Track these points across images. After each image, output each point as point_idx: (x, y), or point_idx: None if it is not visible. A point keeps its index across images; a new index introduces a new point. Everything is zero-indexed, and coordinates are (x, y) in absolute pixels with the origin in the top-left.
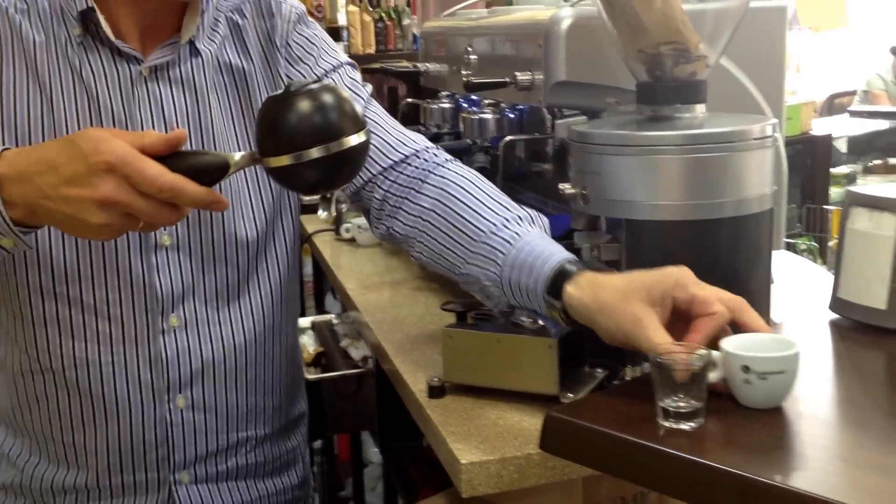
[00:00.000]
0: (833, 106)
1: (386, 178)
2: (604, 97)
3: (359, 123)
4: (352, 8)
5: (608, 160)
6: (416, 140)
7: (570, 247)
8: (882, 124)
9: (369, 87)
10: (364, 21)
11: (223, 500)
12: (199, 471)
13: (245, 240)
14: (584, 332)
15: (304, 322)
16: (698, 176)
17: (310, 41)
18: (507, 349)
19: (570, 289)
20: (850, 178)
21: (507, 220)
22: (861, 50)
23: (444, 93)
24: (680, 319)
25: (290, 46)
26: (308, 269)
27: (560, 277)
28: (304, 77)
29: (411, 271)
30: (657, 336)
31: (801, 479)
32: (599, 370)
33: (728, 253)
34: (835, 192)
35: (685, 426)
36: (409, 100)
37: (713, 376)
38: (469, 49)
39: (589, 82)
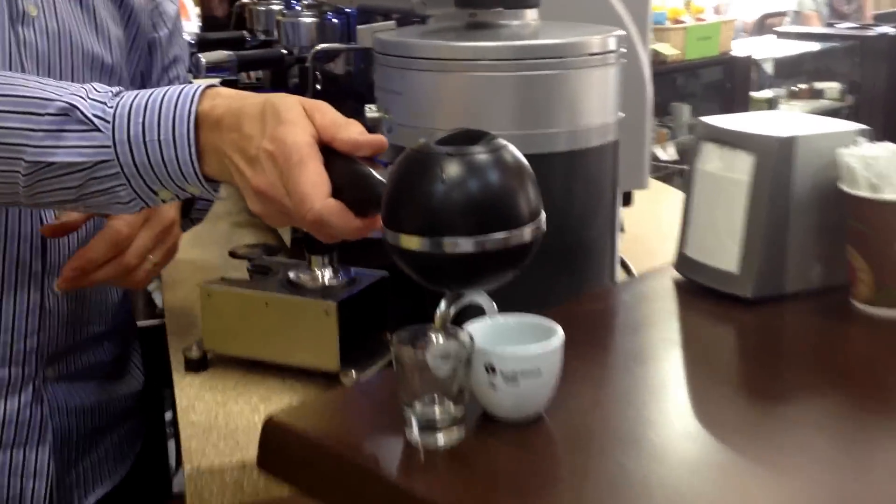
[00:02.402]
0: (764, 26)
1: None
2: None
3: (535, 208)
4: None
5: (412, 77)
6: None
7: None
8: (811, 46)
9: None
10: None
11: (81, 400)
12: (63, 366)
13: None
14: (382, 290)
15: None
16: (523, 99)
17: None
18: (278, 313)
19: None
20: (773, 103)
21: None
22: None
23: None
24: None
25: None
26: None
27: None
28: None
29: (239, 203)
30: None
31: None
32: None
33: (561, 196)
34: None
35: (440, 441)
36: (244, 0)
37: (443, 367)
38: None
39: None
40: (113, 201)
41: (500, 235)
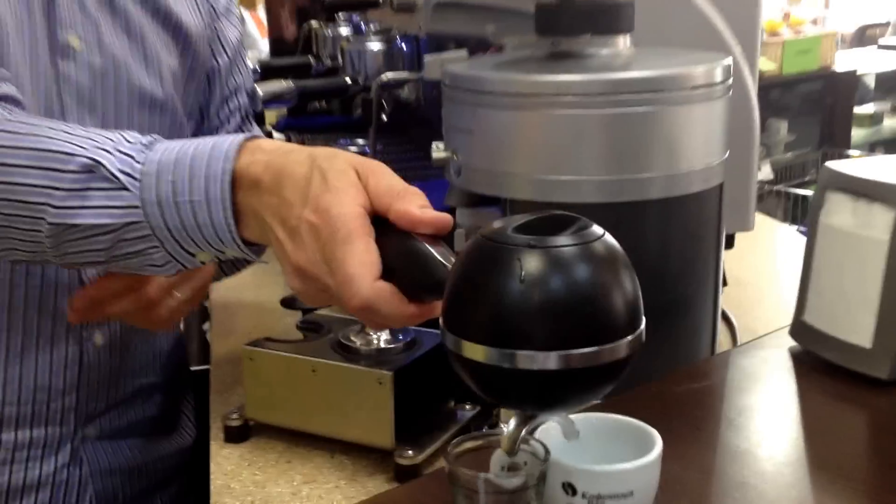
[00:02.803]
0: (864, 38)
1: None
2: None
3: (634, 315)
4: None
5: (484, 114)
6: None
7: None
8: None
9: None
10: None
11: (125, 460)
12: (105, 424)
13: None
14: (446, 355)
15: None
16: (613, 140)
17: None
18: (327, 381)
19: None
20: (876, 119)
21: None
22: None
23: (343, 15)
24: None
25: None
26: None
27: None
28: None
29: None
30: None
31: None
32: (468, 406)
33: (655, 249)
34: (858, 133)
35: None
36: (313, 21)
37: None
38: None
39: (480, 4)
40: (146, 263)
41: (589, 350)
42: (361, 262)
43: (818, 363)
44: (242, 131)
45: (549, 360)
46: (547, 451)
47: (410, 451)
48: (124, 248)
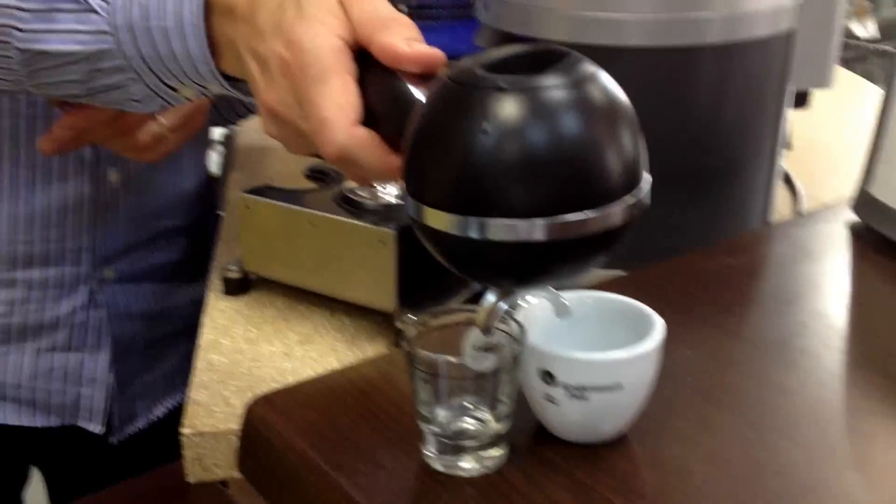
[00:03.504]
0: None
1: None
2: None
3: (633, 174)
4: None
5: None
6: None
7: None
8: None
9: None
10: None
11: (146, 304)
12: (124, 266)
13: None
14: None
15: (217, 135)
16: None
17: None
18: (327, 237)
19: None
20: None
21: None
22: None
23: None
24: None
25: None
26: None
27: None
28: None
29: None
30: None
31: None
32: None
33: (708, 104)
34: None
35: (465, 467)
36: None
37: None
38: None
39: None
40: (126, 98)
41: (575, 217)
42: (337, 104)
43: (881, 243)
44: None
45: (527, 230)
46: (523, 332)
47: (413, 316)
48: (100, 80)
